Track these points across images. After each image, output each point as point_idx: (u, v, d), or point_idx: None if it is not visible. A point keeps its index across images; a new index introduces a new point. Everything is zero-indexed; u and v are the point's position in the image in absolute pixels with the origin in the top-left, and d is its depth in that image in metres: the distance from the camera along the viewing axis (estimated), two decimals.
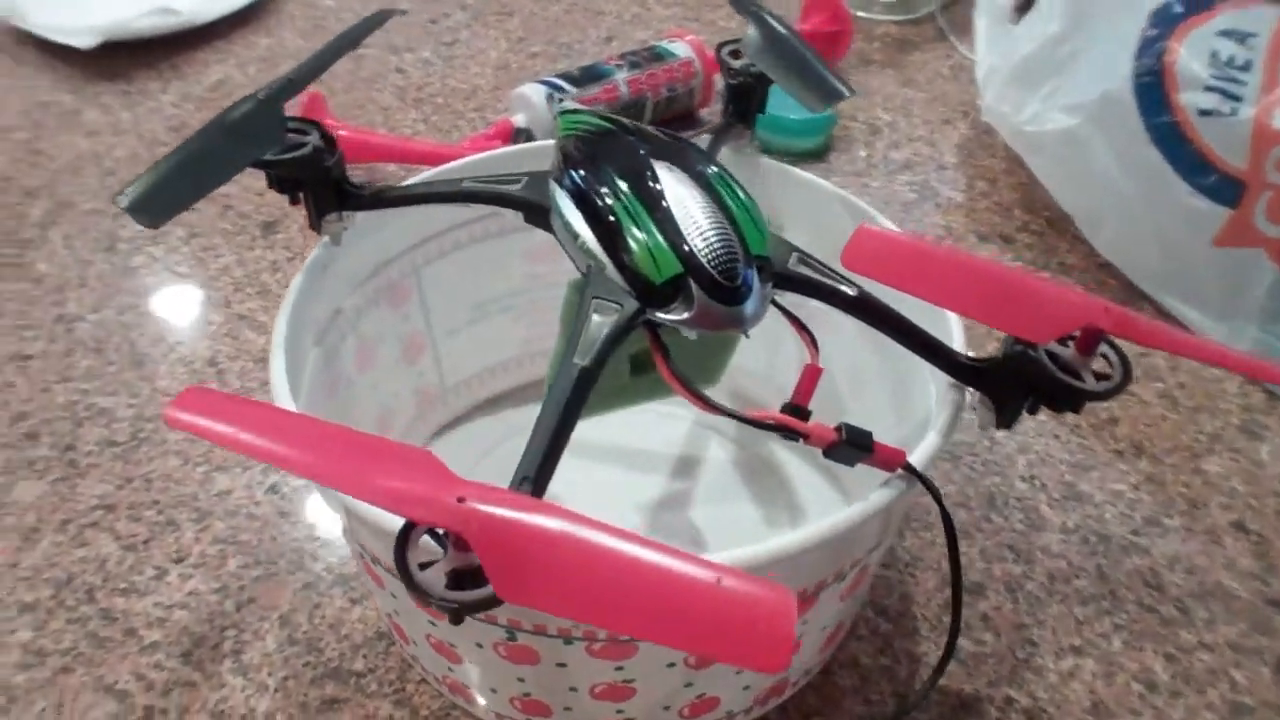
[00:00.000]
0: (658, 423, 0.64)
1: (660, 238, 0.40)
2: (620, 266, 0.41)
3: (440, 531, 0.33)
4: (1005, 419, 0.45)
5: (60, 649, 0.55)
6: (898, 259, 0.44)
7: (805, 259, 0.44)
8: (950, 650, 0.47)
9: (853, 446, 0.41)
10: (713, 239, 0.40)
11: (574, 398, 0.39)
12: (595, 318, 0.41)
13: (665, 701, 0.46)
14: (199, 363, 0.70)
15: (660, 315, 0.41)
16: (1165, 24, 0.68)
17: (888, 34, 1.05)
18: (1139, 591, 0.57)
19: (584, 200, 0.43)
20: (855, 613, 0.53)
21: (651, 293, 0.40)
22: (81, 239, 0.81)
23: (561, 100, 0.54)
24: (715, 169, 0.44)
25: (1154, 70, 0.68)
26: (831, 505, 0.59)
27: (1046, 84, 0.73)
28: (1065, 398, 0.42)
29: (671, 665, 0.43)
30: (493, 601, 0.32)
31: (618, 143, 0.46)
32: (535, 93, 0.82)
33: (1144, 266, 0.74)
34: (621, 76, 0.84)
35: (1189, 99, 0.67)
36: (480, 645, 0.44)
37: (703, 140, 0.54)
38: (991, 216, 0.82)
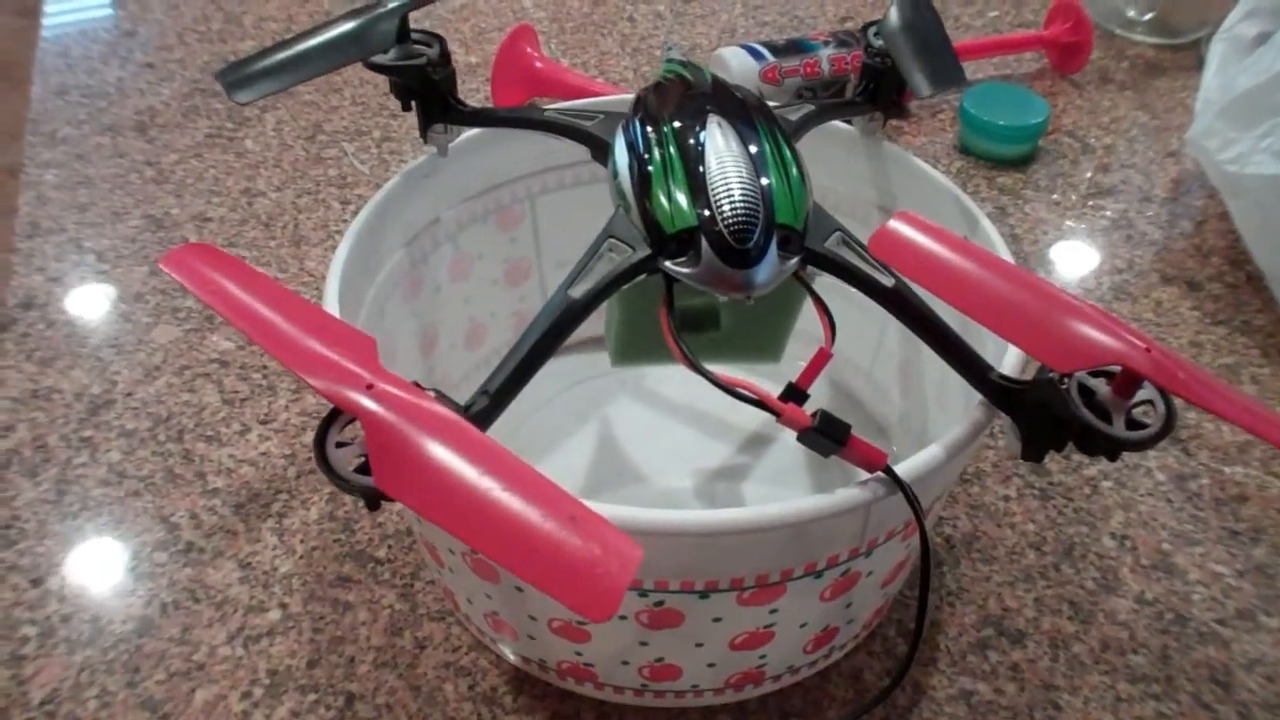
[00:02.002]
0: None
1: (684, 192, 0.40)
2: (642, 212, 0.41)
3: None
4: (1032, 451, 0.41)
5: (138, 475, 0.60)
6: (927, 253, 0.41)
7: (848, 240, 0.42)
8: (901, 674, 0.44)
9: (824, 436, 0.39)
10: (738, 202, 0.39)
11: (556, 326, 0.40)
12: (605, 256, 0.41)
13: (623, 655, 0.46)
14: None
15: (668, 265, 0.40)
16: None
17: (1140, 56, 0.97)
18: (1200, 686, 0.52)
19: (633, 148, 0.44)
20: (860, 623, 0.50)
21: (663, 242, 0.40)
22: (291, 125, 0.86)
23: (670, 50, 0.54)
24: (774, 140, 0.43)
25: None
26: None
27: (1262, 124, 0.66)
28: (1091, 439, 0.39)
29: (623, 618, 0.43)
30: (373, 491, 0.33)
31: (687, 97, 0.46)
32: (734, 55, 0.81)
33: None
34: (826, 53, 0.83)
35: None
36: (452, 551, 0.45)
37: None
38: (1184, 259, 0.76)
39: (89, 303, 0.70)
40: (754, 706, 0.50)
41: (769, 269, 0.40)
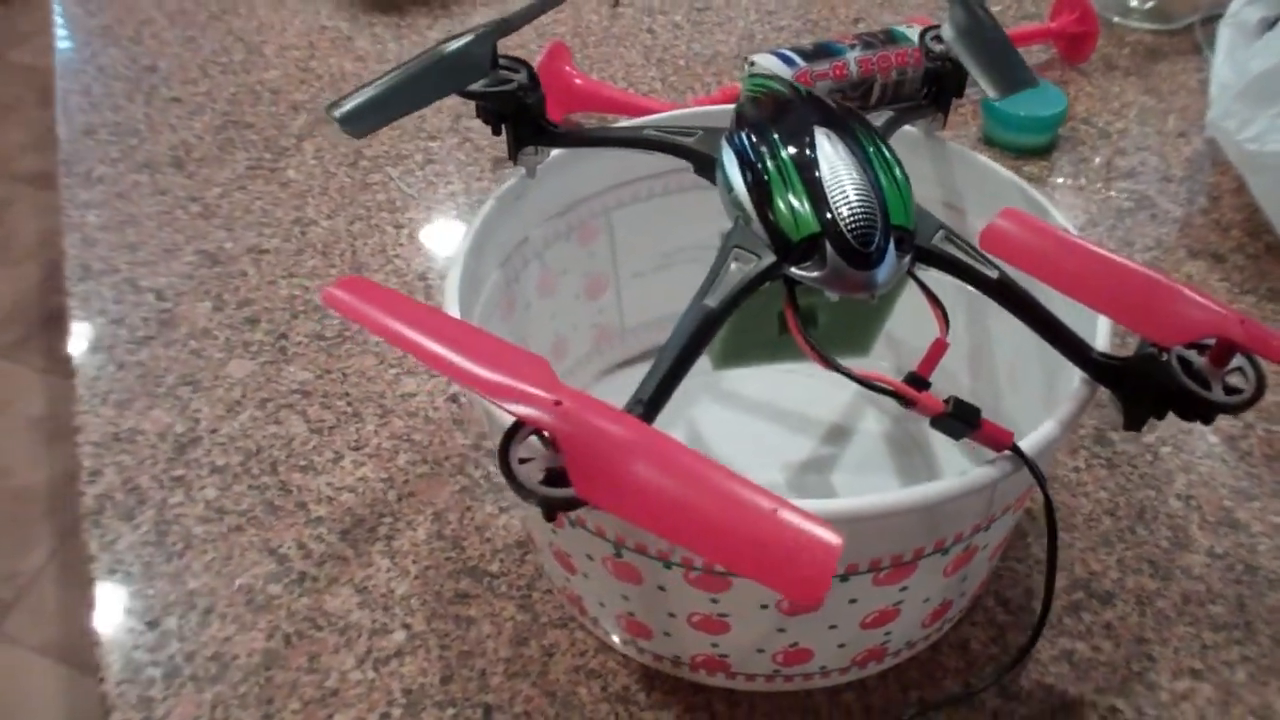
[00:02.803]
0: (821, 388, 0.65)
1: (805, 200, 0.42)
2: (765, 221, 0.43)
3: (546, 434, 0.36)
4: (1134, 421, 0.45)
5: (238, 510, 0.61)
6: (1036, 246, 0.44)
7: (951, 237, 0.45)
8: (1034, 638, 0.47)
9: (958, 420, 0.41)
10: (856, 206, 0.42)
11: (697, 334, 0.42)
12: (733, 265, 0.43)
13: (759, 643, 0.48)
14: (411, 275, 0.76)
15: (794, 271, 0.43)
16: None
17: (1140, 42, 1.01)
18: (1277, 628, 0.56)
19: (745, 159, 0.45)
20: (969, 595, 0.54)
21: (789, 249, 0.42)
22: (331, 153, 0.88)
23: (752, 64, 0.56)
24: (876, 146, 0.46)
25: None
26: None
27: (1277, 104, 0.70)
28: (1191, 405, 0.42)
29: (764, 607, 0.45)
30: (574, 500, 0.35)
31: (789, 109, 0.48)
32: (765, 62, 0.84)
33: None
34: (853, 55, 0.85)
35: None
36: (590, 558, 0.48)
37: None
38: (1207, 234, 0.80)
39: (157, 342, 0.72)
40: (874, 683, 0.53)
41: (889, 268, 0.42)
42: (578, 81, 0.86)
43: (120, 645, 0.55)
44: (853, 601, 0.46)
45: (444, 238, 0.80)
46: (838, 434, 0.65)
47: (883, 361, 0.65)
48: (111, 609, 0.57)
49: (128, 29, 1.06)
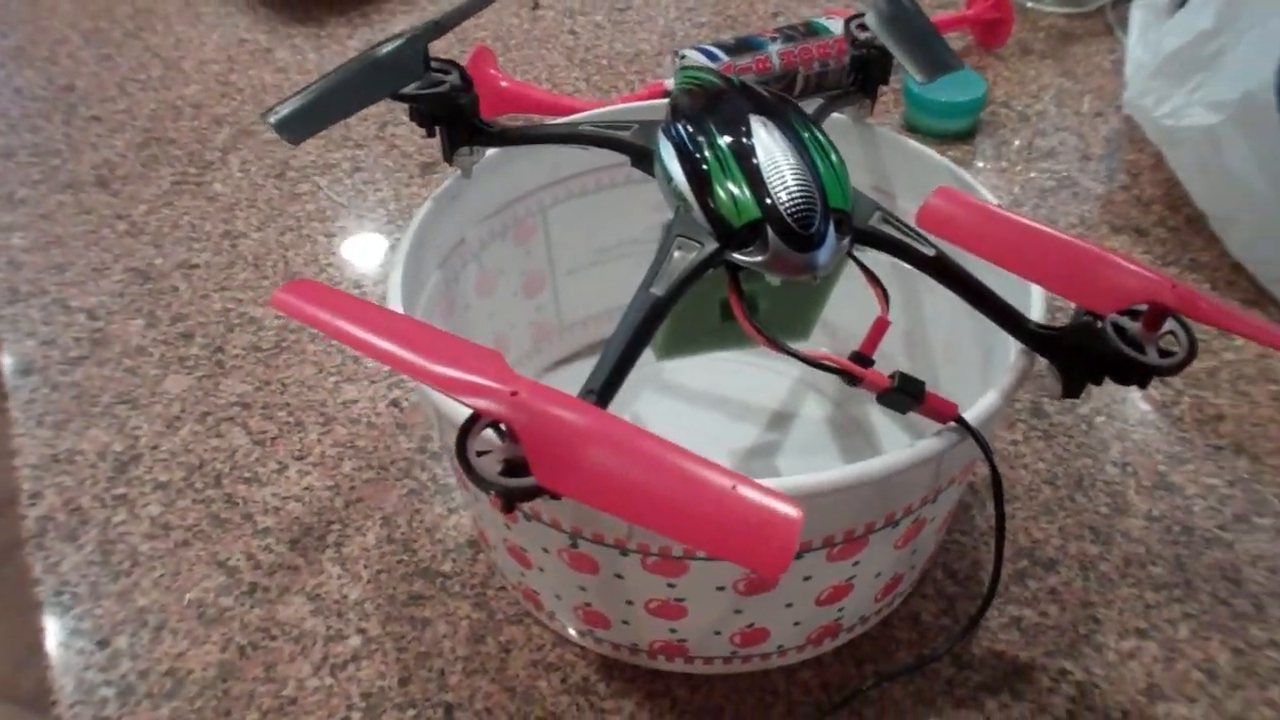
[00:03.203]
0: (761, 376, 0.66)
1: (745, 186, 0.43)
2: (705, 209, 0.44)
3: (501, 426, 0.37)
4: (1072, 388, 0.46)
5: (184, 525, 0.61)
6: (971, 221, 0.45)
7: (888, 218, 0.46)
8: (985, 605, 0.48)
9: (904, 394, 0.42)
10: (794, 190, 0.43)
11: (645, 323, 0.42)
12: (676, 254, 0.44)
13: (716, 626, 0.49)
14: (345, 283, 0.76)
15: (737, 256, 0.43)
16: None
17: (1054, 25, 1.04)
18: (1215, 584, 0.57)
19: (682, 150, 0.46)
20: (919, 568, 0.55)
21: (731, 235, 0.43)
22: (257, 165, 0.87)
23: (683, 57, 0.57)
24: (811, 132, 0.46)
25: None
26: None
27: (1191, 79, 0.72)
28: (1128, 370, 0.43)
29: (721, 589, 0.46)
30: (535, 489, 0.35)
31: (723, 99, 0.49)
32: (692, 57, 0.85)
33: (1274, 269, 0.72)
34: (775, 49, 0.86)
35: None
36: (546, 550, 0.48)
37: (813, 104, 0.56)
38: (1129, 209, 0.82)
39: (90, 361, 0.71)
40: (830, 659, 0.54)
41: (829, 250, 0.43)
42: (504, 84, 0.87)
43: (71, 667, 0.54)
44: (807, 579, 0.47)
45: (375, 245, 0.80)
46: (780, 420, 0.66)
47: (820, 347, 0.65)
48: (60, 631, 0.56)
49: (42, 49, 1.04)
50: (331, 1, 1.09)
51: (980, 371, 0.56)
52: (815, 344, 0.55)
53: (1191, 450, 0.64)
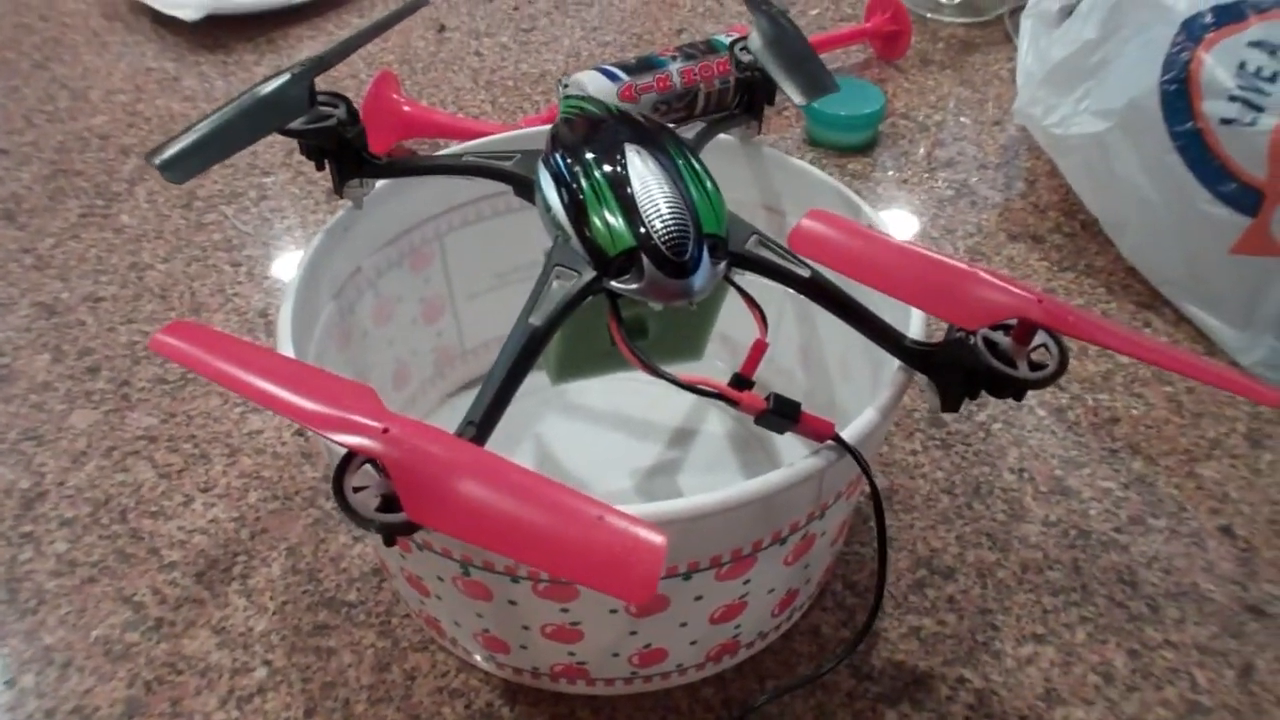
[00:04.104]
0: (663, 394, 0.65)
1: (620, 215, 0.44)
2: (583, 239, 0.44)
3: (378, 461, 0.37)
4: (950, 403, 0.47)
5: (90, 561, 0.60)
6: (842, 244, 0.46)
7: (764, 241, 0.47)
8: (872, 617, 0.49)
9: (779, 415, 0.43)
10: (668, 218, 0.43)
11: (523, 353, 0.43)
12: (554, 283, 0.44)
13: (613, 648, 0.49)
14: (251, 313, 0.76)
15: (614, 284, 0.44)
16: (1195, 33, 0.69)
17: (953, 36, 1.06)
18: (1111, 588, 0.59)
19: (560, 180, 0.46)
20: (815, 582, 0.55)
21: (607, 264, 0.44)
22: (163, 195, 0.87)
23: (566, 85, 0.58)
24: (686, 159, 0.47)
25: (1180, 79, 0.68)
26: None
27: (1079, 88, 0.74)
28: (1000, 383, 0.44)
29: (614, 611, 0.46)
30: (407, 525, 0.36)
31: (602, 129, 0.49)
32: (590, 79, 0.85)
33: (1165, 272, 0.74)
34: (675, 67, 0.86)
35: (1211, 108, 0.67)
36: (441, 579, 0.48)
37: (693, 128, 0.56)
38: (1025, 217, 0.83)
39: None
40: (731, 675, 0.54)
41: (704, 276, 0.44)
42: (406, 109, 0.87)
43: None
44: (698, 598, 0.47)
45: (283, 274, 0.80)
46: (682, 437, 0.66)
47: (718, 362, 0.66)
48: None
49: None
50: (238, 29, 1.09)
51: (871, 386, 0.56)
52: (714, 359, 0.56)
53: (1087, 454, 0.66)
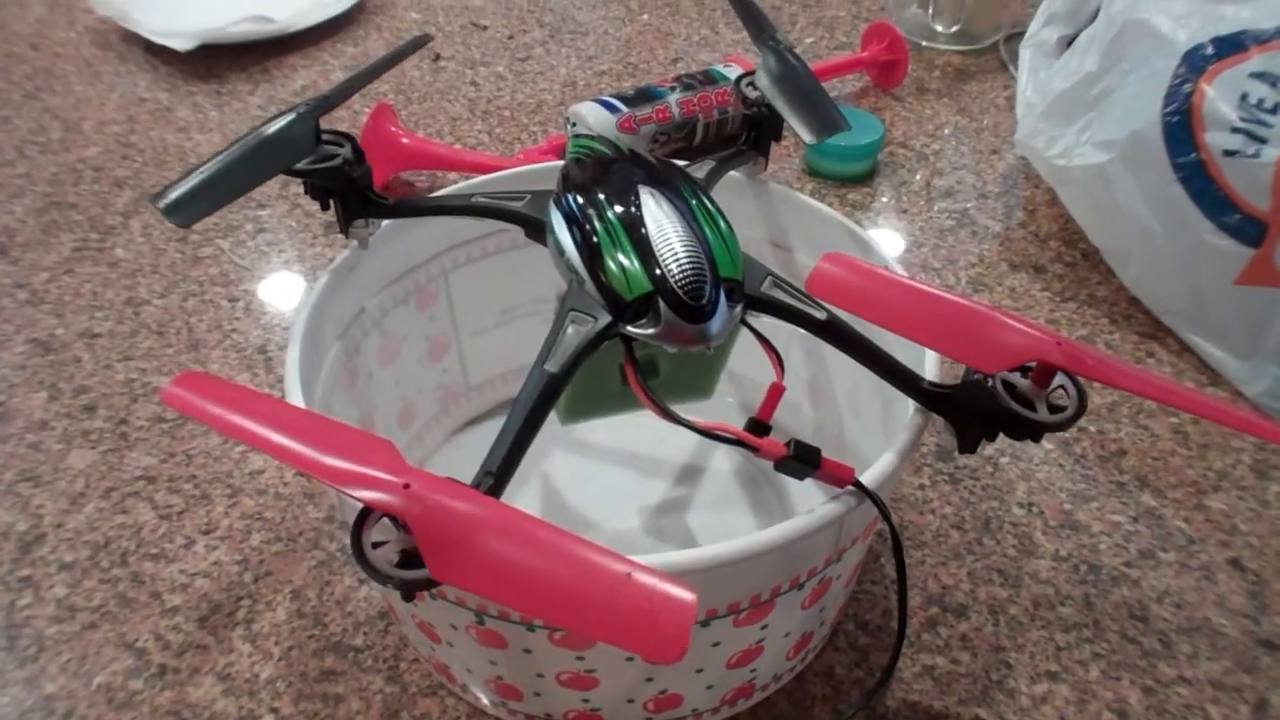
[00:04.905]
0: (667, 431, 0.66)
1: (635, 259, 0.43)
2: (598, 283, 0.44)
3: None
4: (966, 444, 0.46)
5: (90, 606, 0.59)
6: (859, 286, 0.46)
7: (779, 283, 0.46)
8: (893, 663, 0.49)
9: (800, 462, 0.43)
10: (684, 262, 0.43)
11: (540, 400, 0.42)
12: (570, 329, 0.44)
13: (628, 694, 0.49)
14: (250, 349, 0.75)
15: (630, 329, 0.43)
16: (1196, 65, 0.69)
17: (949, 64, 1.06)
18: (1124, 623, 0.58)
19: (574, 222, 0.46)
20: (829, 623, 0.55)
21: (623, 308, 0.43)
22: (159, 228, 0.86)
23: (574, 125, 0.58)
24: (699, 199, 0.47)
25: (1182, 110, 0.68)
26: None
27: (1080, 120, 0.74)
28: (1019, 426, 0.44)
29: (630, 659, 0.46)
30: (428, 581, 0.35)
31: (613, 169, 0.49)
32: (590, 110, 0.85)
33: (1169, 302, 0.74)
34: (674, 98, 0.87)
35: (1214, 139, 0.67)
36: (454, 627, 0.47)
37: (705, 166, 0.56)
38: (1026, 246, 0.83)
39: None
40: (746, 718, 0.54)
41: (721, 320, 0.43)
42: (405, 140, 0.86)
43: None
44: (716, 644, 0.47)
45: (281, 308, 0.79)
46: (689, 474, 0.66)
47: (728, 399, 0.66)
48: None
49: None
50: (232, 58, 1.08)
51: (881, 420, 0.56)
52: (721, 396, 0.55)
53: (1095, 487, 0.65)
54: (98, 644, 0.57)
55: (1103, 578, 0.61)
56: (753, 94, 0.58)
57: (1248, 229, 0.67)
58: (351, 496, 0.36)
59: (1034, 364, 0.44)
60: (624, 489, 0.65)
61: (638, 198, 0.46)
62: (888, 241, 0.84)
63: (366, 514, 0.37)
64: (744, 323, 0.45)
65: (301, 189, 0.53)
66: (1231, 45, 0.68)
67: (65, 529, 0.63)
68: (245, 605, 0.59)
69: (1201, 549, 0.62)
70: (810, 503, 0.60)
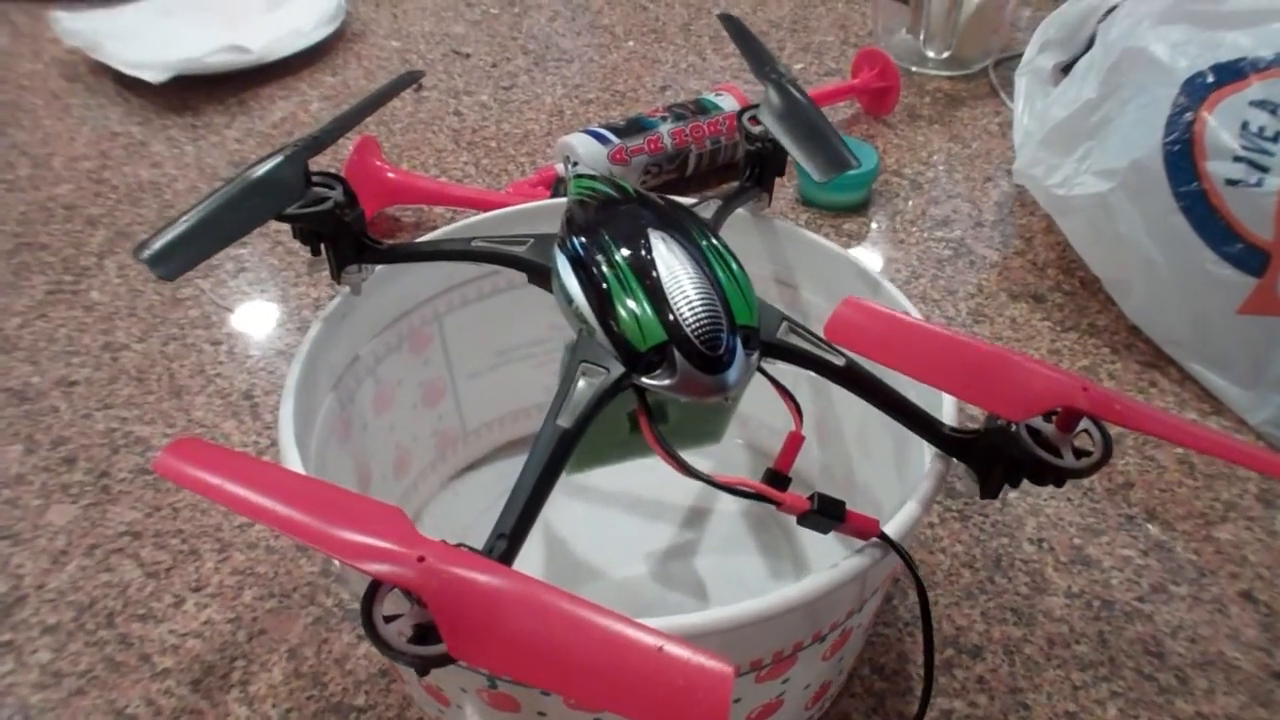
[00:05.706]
0: (672, 474, 0.64)
1: (648, 307, 0.42)
2: (609, 332, 0.42)
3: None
4: (989, 490, 0.45)
5: (76, 671, 0.57)
6: (879, 333, 0.44)
7: (795, 328, 0.45)
8: (922, 711, 0.47)
9: (824, 516, 0.41)
10: (699, 309, 0.41)
11: (554, 458, 0.41)
12: (581, 381, 0.42)
13: None
14: (235, 395, 0.73)
15: (645, 381, 0.42)
16: (1197, 93, 0.68)
17: (940, 89, 1.05)
18: (1139, 660, 0.57)
19: (581, 267, 0.44)
20: (845, 671, 0.54)
21: (637, 359, 0.41)
22: (135, 269, 0.84)
23: (576, 165, 0.56)
24: (710, 241, 0.45)
25: (1183, 139, 0.68)
26: (834, 559, 0.60)
27: (1079, 148, 0.73)
28: (1043, 472, 0.43)
29: None
30: (446, 658, 0.33)
31: (619, 211, 0.47)
32: (580, 142, 0.84)
33: (1171, 332, 0.73)
34: (666, 128, 0.86)
35: (1216, 168, 0.66)
36: (464, 690, 0.46)
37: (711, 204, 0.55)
38: (1025, 275, 0.82)
39: None
40: None
41: (739, 369, 0.42)
42: (390, 175, 0.85)
43: None
44: (737, 701, 0.45)
45: (265, 351, 0.77)
46: (696, 517, 0.64)
47: (736, 439, 0.65)
48: None
49: None
50: (207, 90, 1.06)
51: (894, 460, 0.55)
52: (731, 436, 0.54)
53: (1104, 521, 0.64)
54: (86, 711, 0.55)
55: (1116, 613, 0.59)
56: (755, 129, 0.57)
57: (1250, 258, 0.67)
58: (363, 570, 0.34)
59: (1059, 409, 0.43)
60: (629, 534, 0.63)
61: (647, 240, 0.44)
62: (887, 272, 0.83)
63: (376, 587, 0.35)
64: (761, 370, 0.44)
65: (282, 225, 0.50)
66: (1231, 73, 0.68)
67: (47, 589, 0.61)
68: (240, 666, 0.57)
69: (1213, 581, 0.61)
70: (817, 546, 0.59)
